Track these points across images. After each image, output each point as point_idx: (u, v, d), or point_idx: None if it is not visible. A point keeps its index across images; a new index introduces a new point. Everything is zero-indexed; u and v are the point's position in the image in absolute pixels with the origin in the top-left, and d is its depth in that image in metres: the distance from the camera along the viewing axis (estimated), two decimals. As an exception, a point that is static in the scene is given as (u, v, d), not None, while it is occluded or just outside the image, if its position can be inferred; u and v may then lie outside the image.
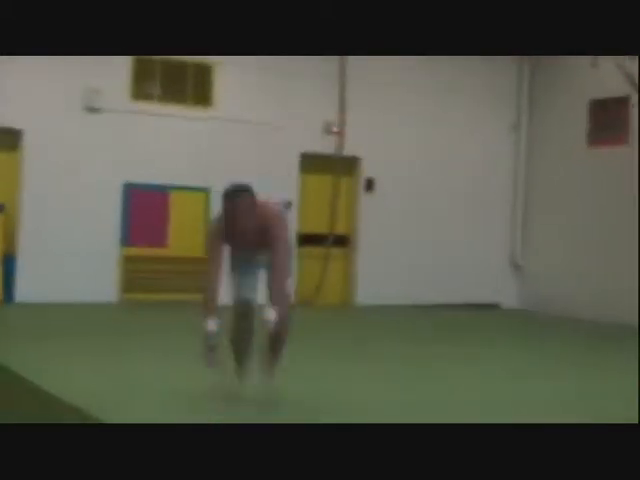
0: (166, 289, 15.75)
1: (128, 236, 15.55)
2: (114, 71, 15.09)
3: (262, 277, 7.28)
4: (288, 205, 7.92)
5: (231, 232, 7.06)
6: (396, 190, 17.25)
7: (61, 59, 14.06)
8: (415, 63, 16.56)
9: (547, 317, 16.59)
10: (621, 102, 16.17)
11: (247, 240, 7.11)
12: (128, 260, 15.54)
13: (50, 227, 14.95)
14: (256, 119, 16.13)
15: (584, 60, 15.79)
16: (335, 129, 16.64)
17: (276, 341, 7.17)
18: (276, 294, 6.94)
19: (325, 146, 16.68)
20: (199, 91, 16.01)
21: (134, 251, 15.58)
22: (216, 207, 15.69)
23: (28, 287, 14.72)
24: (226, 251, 7.29)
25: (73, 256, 15.04)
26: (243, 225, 6.98)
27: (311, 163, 16.73)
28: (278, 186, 14.42)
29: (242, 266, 7.31)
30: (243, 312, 7.29)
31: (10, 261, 14.85)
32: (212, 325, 6.97)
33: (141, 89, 15.64)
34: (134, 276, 15.60)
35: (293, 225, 14.27)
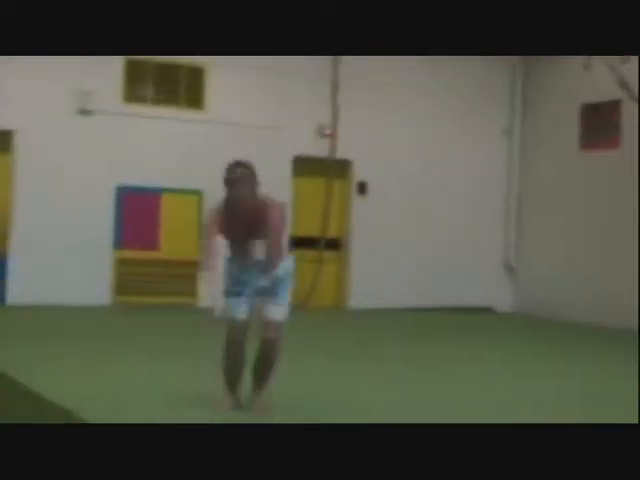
0: (159, 292, 15.73)
1: (121, 239, 15.52)
2: (107, 73, 15.07)
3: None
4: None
5: (230, 213, 7.01)
6: (389, 193, 17.25)
7: (54, 61, 14.04)
8: (412, 64, 16.55)
9: (542, 320, 16.60)
10: (613, 106, 16.20)
11: (245, 222, 7.04)
12: (121, 263, 15.52)
13: (43, 229, 14.92)
14: (248, 121, 16.12)
15: (577, 63, 15.81)
16: (328, 131, 16.64)
17: (267, 359, 7.19)
18: (271, 258, 6.93)
19: (318, 149, 16.67)
20: (192, 93, 16.00)
21: (127, 254, 15.55)
22: (208, 209, 15.77)
23: (20, 289, 14.70)
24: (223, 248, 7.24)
25: (66, 258, 15.02)
26: (242, 195, 6.93)
27: (304, 166, 16.72)
28: (270, 189, 14.34)
29: (238, 280, 7.21)
30: (236, 339, 7.21)
31: (2, 263, 14.82)
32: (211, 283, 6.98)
33: (134, 91, 15.63)
34: (127, 279, 15.57)
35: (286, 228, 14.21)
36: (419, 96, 17.35)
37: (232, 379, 7.31)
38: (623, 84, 14.66)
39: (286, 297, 7.24)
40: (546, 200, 17.63)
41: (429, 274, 17.47)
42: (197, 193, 15.91)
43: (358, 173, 17.10)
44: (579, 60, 15.55)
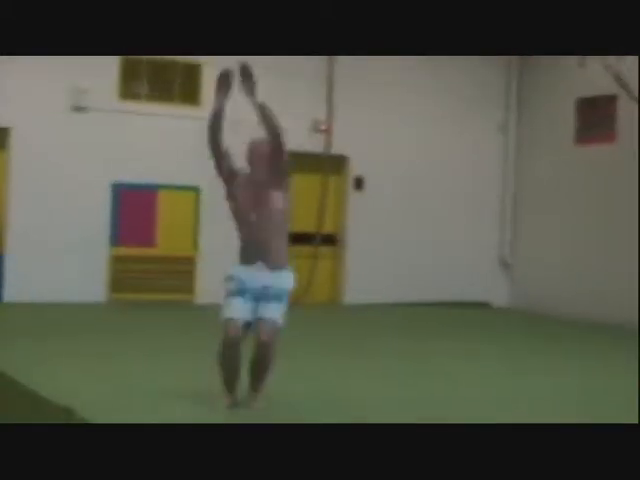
0: (155, 289, 15.73)
1: (117, 236, 15.51)
2: (102, 70, 15.03)
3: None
4: None
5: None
6: (386, 189, 17.25)
7: (49, 59, 13.98)
8: (411, 63, 16.52)
9: (538, 316, 16.62)
10: (609, 100, 16.20)
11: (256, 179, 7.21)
12: (117, 260, 15.51)
13: (39, 227, 14.90)
14: (244, 118, 16.05)
15: (572, 59, 15.81)
16: (323, 127, 16.63)
17: (262, 361, 7.20)
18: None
19: (313, 144, 16.66)
20: (187, 90, 15.98)
21: (123, 251, 15.54)
22: (205, 206, 15.78)
23: (17, 287, 14.68)
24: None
25: (62, 256, 15.00)
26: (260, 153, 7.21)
27: (299, 162, 16.68)
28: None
29: (240, 279, 7.22)
30: (232, 342, 7.20)
31: (-2, 261, 14.83)
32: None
33: (129, 88, 15.60)
34: (123, 276, 15.56)
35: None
36: (416, 94, 17.33)
37: (230, 379, 7.32)
38: (619, 81, 14.66)
39: (285, 304, 7.27)
40: (542, 197, 17.63)
41: (425, 269, 17.47)
42: (193, 190, 15.91)
43: (355, 169, 17.10)
44: (574, 57, 15.54)
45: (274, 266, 7.22)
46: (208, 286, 15.73)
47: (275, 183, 7.25)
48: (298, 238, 16.37)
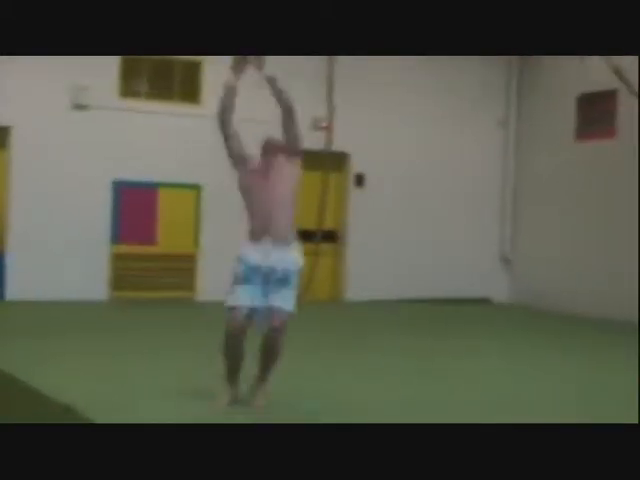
0: (156, 286, 15.74)
1: (118, 234, 15.51)
2: (102, 68, 15.02)
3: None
4: None
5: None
6: (386, 186, 17.25)
7: (50, 57, 13.98)
8: (409, 63, 16.47)
9: (538, 312, 16.63)
10: (609, 96, 16.20)
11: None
12: (118, 258, 15.52)
13: (40, 225, 14.91)
14: (244, 115, 16.05)
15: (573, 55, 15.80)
16: (324, 124, 16.62)
17: (272, 350, 7.20)
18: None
19: (314, 142, 16.64)
20: (187, 88, 15.97)
21: (124, 249, 15.55)
22: (205, 203, 15.78)
23: (18, 285, 14.69)
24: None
25: (63, 254, 15.01)
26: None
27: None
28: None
29: (248, 266, 7.21)
30: (236, 331, 7.18)
31: (0, 259, 14.81)
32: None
33: (129, 86, 15.60)
34: (124, 274, 15.57)
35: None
36: (416, 94, 17.34)
37: (232, 369, 7.29)
38: (619, 75, 14.65)
39: (295, 287, 7.26)
40: (542, 192, 17.64)
41: (426, 266, 17.49)
42: (194, 187, 15.92)
43: (355, 165, 17.10)
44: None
45: (281, 241, 7.24)
46: (209, 284, 15.76)
47: (286, 156, 7.40)
48: (299, 235, 16.34)
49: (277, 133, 7.61)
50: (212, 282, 15.69)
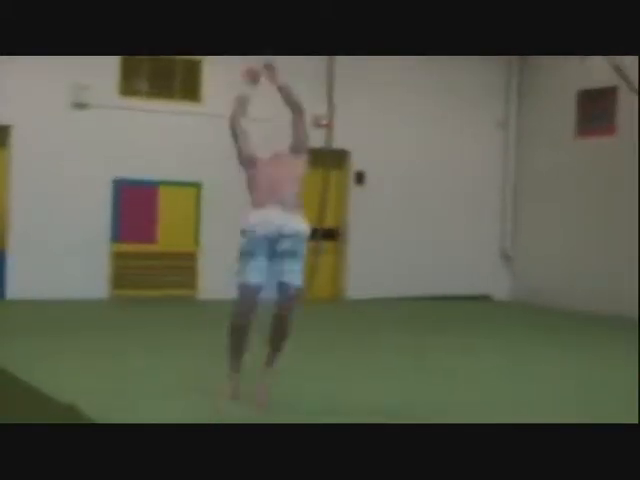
0: (156, 285, 15.75)
1: (118, 232, 15.51)
2: (102, 67, 15.02)
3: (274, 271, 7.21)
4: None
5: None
6: (387, 183, 17.26)
7: (50, 56, 13.99)
8: (409, 63, 16.45)
9: (539, 308, 16.64)
10: (609, 92, 16.20)
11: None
12: (118, 256, 15.52)
13: (40, 223, 14.92)
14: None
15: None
16: (324, 122, 16.61)
17: (282, 326, 7.18)
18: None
19: (314, 140, 16.57)
20: (188, 86, 15.97)
21: (124, 247, 15.55)
22: (206, 202, 15.79)
23: (19, 284, 14.69)
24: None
25: (63, 252, 15.01)
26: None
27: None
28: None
29: (253, 240, 7.20)
30: (245, 309, 7.16)
31: (0, 258, 14.82)
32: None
33: (130, 85, 15.60)
34: (125, 272, 15.57)
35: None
36: (416, 94, 17.35)
37: (237, 350, 7.21)
38: (619, 72, 14.65)
39: (302, 259, 7.23)
40: (542, 189, 17.64)
41: (426, 263, 17.49)
42: (194, 185, 15.93)
43: (356, 163, 17.11)
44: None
45: (288, 207, 7.23)
46: (210, 282, 15.77)
47: (294, 152, 7.59)
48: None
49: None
50: (213, 280, 15.71)
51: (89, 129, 15.20)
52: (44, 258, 14.89)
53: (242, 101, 7.84)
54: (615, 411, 7.40)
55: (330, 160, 16.60)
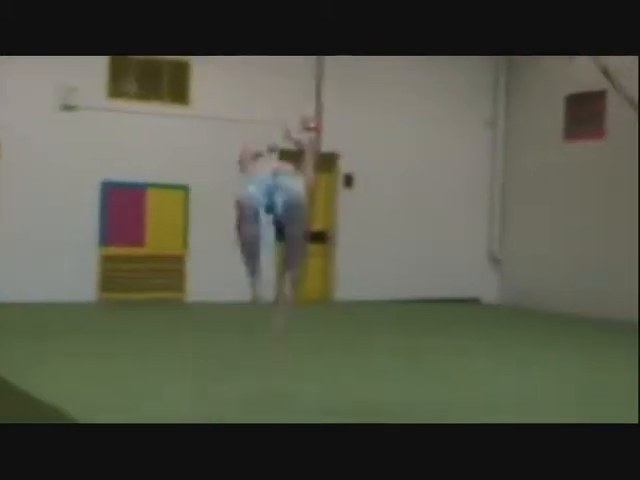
0: (145, 288, 15.69)
1: (106, 235, 15.46)
2: (90, 69, 14.98)
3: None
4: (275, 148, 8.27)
5: None
6: (375, 186, 17.25)
7: (38, 58, 13.91)
8: (399, 62, 16.50)
9: (527, 311, 16.65)
10: (597, 96, 16.21)
11: None
12: (107, 259, 15.46)
13: (28, 226, 14.85)
14: (233, 116, 16.07)
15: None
16: (312, 124, 16.55)
17: (292, 255, 7.35)
18: None
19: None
20: (176, 88, 15.94)
21: (112, 250, 15.50)
22: (194, 204, 15.75)
23: (6, 287, 14.62)
24: None
25: (51, 255, 14.96)
26: None
27: (289, 159, 16.63)
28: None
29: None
30: (249, 214, 7.23)
31: (-13, 261, 14.76)
32: None
33: (118, 87, 15.55)
34: (113, 275, 15.52)
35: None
36: (406, 91, 17.36)
37: (249, 262, 7.29)
38: (607, 75, 14.64)
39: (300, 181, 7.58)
40: (531, 191, 17.66)
41: (415, 266, 17.49)
42: (182, 188, 15.88)
43: (344, 166, 17.09)
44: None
45: (284, 170, 7.60)
46: (198, 284, 15.73)
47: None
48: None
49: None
50: (201, 283, 15.68)
51: (77, 131, 15.15)
52: (32, 261, 14.83)
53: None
54: (613, 410, 7.42)
55: (318, 163, 16.53)
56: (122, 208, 15.51)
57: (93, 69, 15.05)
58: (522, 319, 15.73)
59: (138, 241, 15.69)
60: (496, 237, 18.19)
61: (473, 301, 17.85)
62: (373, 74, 16.92)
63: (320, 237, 16.95)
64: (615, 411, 7.32)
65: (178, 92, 15.93)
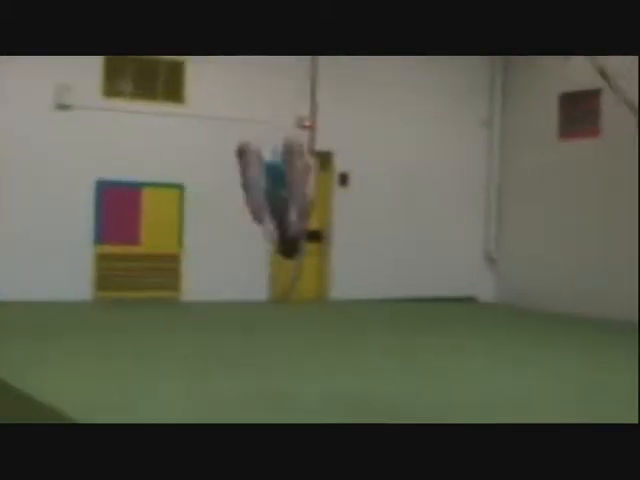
0: (140, 287, 15.68)
1: (101, 234, 15.44)
2: (86, 68, 14.96)
3: None
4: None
5: None
6: (371, 185, 17.25)
7: (33, 57, 13.89)
8: (394, 62, 16.49)
9: (523, 310, 16.66)
10: (592, 95, 16.23)
11: None
12: (102, 258, 15.45)
13: (23, 225, 14.84)
14: (228, 115, 16.06)
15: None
16: (307, 123, 16.56)
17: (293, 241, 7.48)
18: None
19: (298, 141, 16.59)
20: (171, 87, 15.93)
21: (107, 249, 15.48)
22: (189, 203, 15.75)
23: (1, 285, 14.59)
24: None
25: (47, 254, 14.94)
26: None
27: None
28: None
29: None
30: (253, 160, 7.45)
31: (-18, 260, 14.74)
32: None
33: (113, 86, 15.54)
34: (108, 274, 15.51)
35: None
36: (401, 90, 17.36)
37: (258, 215, 7.55)
38: (603, 74, 14.66)
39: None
40: (527, 190, 17.66)
41: (411, 265, 17.49)
42: (178, 187, 15.87)
43: (339, 165, 17.09)
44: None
45: None
46: (193, 283, 15.72)
47: None
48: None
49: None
50: (196, 282, 15.67)
51: (72, 130, 15.14)
52: (28, 260, 14.81)
53: None
54: (612, 410, 7.44)
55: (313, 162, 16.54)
56: (117, 207, 15.49)
57: (89, 68, 15.03)
58: (518, 319, 15.74)
59: (133, 240, 15.68)
60: (492, 236, 18.20)
61: (469, 300, 17.85)
62: (369, 74, 16.93)
63: (315, 236, 16.95)
64: (615, 411, 7.34)
65: (173, 91, 15.91)
